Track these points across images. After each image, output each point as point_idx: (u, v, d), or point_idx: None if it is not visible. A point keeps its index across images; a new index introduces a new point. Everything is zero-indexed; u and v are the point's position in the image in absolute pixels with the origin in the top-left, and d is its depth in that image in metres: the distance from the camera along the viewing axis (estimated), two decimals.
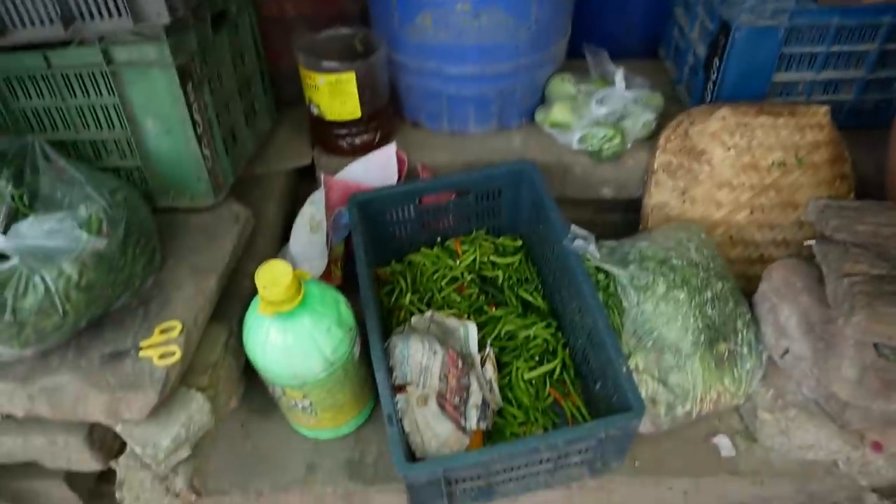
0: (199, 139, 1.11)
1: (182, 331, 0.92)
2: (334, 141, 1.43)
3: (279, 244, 1.36)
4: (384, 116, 1.46)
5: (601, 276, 1.20)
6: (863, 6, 1.28)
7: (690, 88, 1.55)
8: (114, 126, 1.10)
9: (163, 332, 0.92)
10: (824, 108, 1.31)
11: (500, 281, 1.37)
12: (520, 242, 1.44)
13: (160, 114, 1.07)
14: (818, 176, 1.35)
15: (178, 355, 0.88)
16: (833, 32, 1.33)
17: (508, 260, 1.40)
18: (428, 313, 1.21)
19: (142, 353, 0.89)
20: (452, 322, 1.20)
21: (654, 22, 1.75)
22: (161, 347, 0.89)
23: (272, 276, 0.89)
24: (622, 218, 1.59)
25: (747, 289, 1.31)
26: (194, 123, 1.09)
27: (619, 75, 1.43)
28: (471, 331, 1.18)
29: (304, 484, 1.13)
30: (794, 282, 1.17)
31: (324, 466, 1.15)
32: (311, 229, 1.31)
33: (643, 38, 1.80)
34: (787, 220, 1.37)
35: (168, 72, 1.03)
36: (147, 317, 0.95)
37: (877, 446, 1.17)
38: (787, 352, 1.19)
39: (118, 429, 0.87)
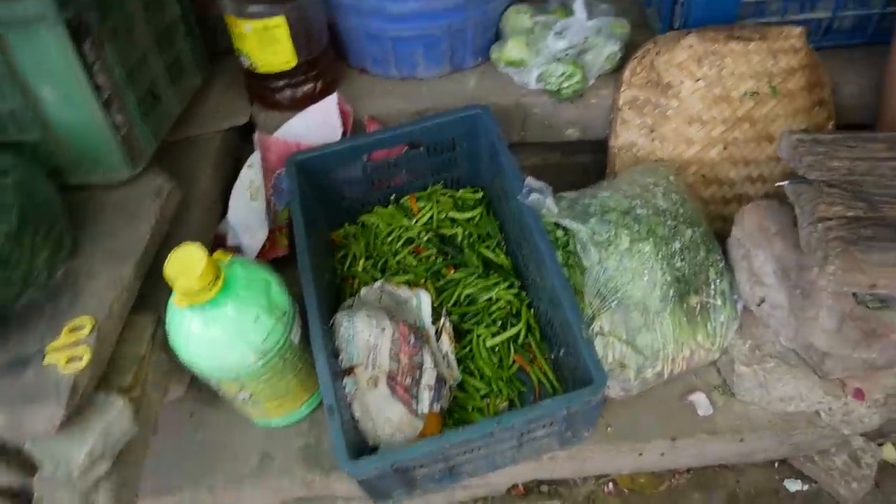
0: (105, 105, 0.99)
1: (94, 328, 0.83)
2: (272, 95, 1.30)
3: (218, 215, 1.25)
4: (325, 63, 1.33)
5: (559, 234, 1.11)
6: None
7: (659, 12, 1.41)
8: (5, 96, 0.97)
9: (72, 331, 0.83)
10: (798, 30, 1.19)
11: (460, 239, 1.28)
12: (480, 194, 1.34)
13: (55, 79, 0.95)
14: (794, 104, 1.24)
15: (86, 358, 0.79)
16: None
17: (468, 215, 1.31)
18: (377, 283, 1.13)
19: (47, 359, 0.80)
20: (404, 292, 1.11)
21: None
22: (68, 350, 0.80)
23: (184, 264, 0.79)
24: (592, 159, 1.49)
25: (723, 230, 1.22)
26: (97, 88, 0.97)
27: (578, 3, 1.30)
28: (423, 301, 1.10)
29: (260, 476, 1.06)
30: (767, 226, 1.08)
31: (279, 455, 1.08)
32: (250, 196, 1.21)
33: None
34: (763, 154, 1.27)
35: (56, 29, 0.90)
36: (56, 314, 0.86)
37: (859, 394, 1.12)
38: (763, 301, 1.12)
39: (26, 446, 0.79)
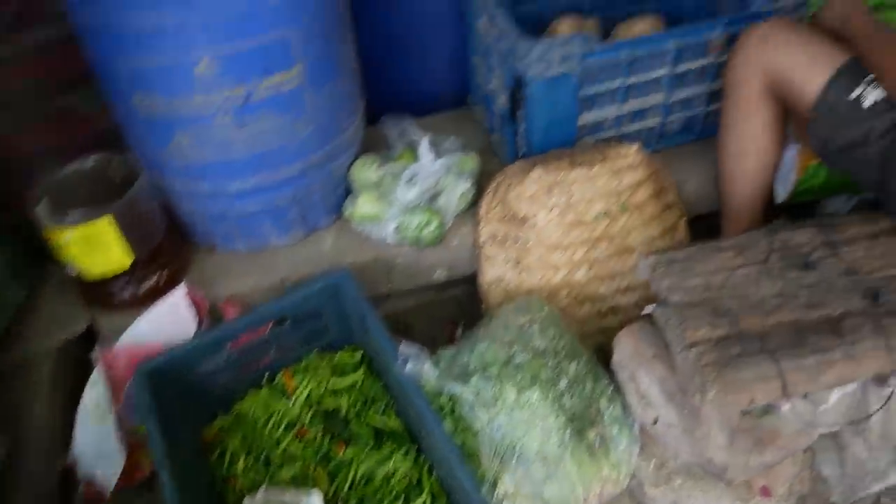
0: None
1: None
2: (110, 298, 1.19)
3: (63, 446, 1.10)
4: (168, 251, 1.24)
5: (444, 400, 1.06)
6: None
7: (503, 139, 1.44)
8: None
9: None
10: (634, 148, 1.25)
11: (345, 410, 1.19)
12: (359, 354, 1.27)
13: None
14: (645, 215, 1.29)
15: None
16: (626, 66, 1.27)
17: (349, 380, 1.23)
18: (260, 493, 1.02)
19: None
20: (292, 496, 1.01)
21: (461, 70, 1.63)
22: None
23: None
24: (465, 291, 1.47)
25: (605, 343, 1.22)
26: None
27: (423, 146, 1.30)
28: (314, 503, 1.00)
29: None
30: (643, 350, 1.08)
31: None
32: (97, 419, 1.08)
33: (454, 86, 1.69)
34: (626, 266, 1.30)
35: None
36: None
37: (765, 491, 1.12)
38: (656, 420, 1.11)
39: None
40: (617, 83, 1.29)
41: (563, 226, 1.24)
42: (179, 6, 0.97)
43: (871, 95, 1.08)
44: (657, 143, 1.45)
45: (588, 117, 1.33)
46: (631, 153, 1.24)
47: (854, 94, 1.09)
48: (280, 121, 1.14)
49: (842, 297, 1.01)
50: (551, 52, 1.19)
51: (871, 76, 1.08)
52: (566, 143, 1.35)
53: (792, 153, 1.34)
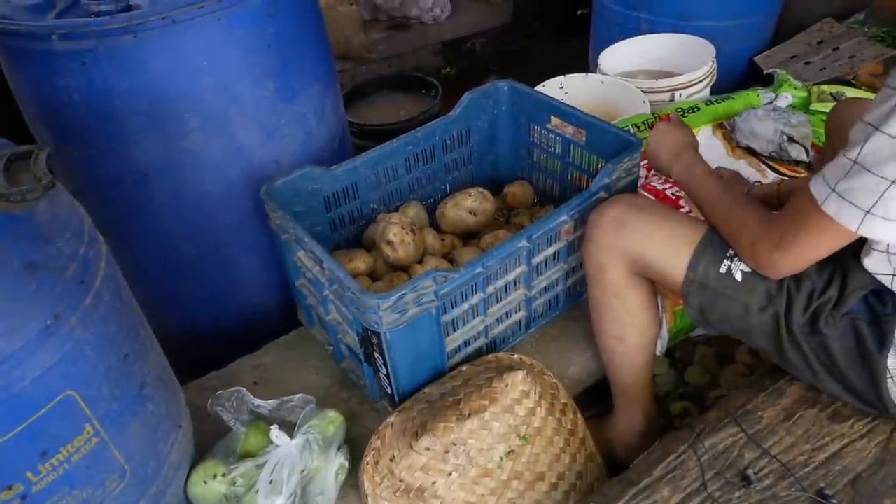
0: None
1: None
2: None
3: None
4: None
5: None
6: None
7: (360, 375, 1.23)
8: None
9: None
10: (520, 376, 1.10)
11: None
12: None
13: None
14: (546, 434, 1.14)
15: None
16: (482, 280, 1.13)
17: None
18: None
19: None
20: None
21: (278, 274, 1.40)
22: None
23: None
24: None
25: None
26: None
27: (274, 432, 1.05)
28: None
29: None
30: None
31: None
32: None
33: (273, 291, 1.48)
34: (542, 491, 1.14)
35: None
36: None
37: None
38: None
39: None
40: (477, 297, 1.15)
41: (467, 484, 1.05)
42: None
43: (738, 269, 1.03)
44: (525, 330, 1.33)
45: (455, 339, 1.17)
46: (518, 380, 1.09)
47: (723, 268, 1.03)
48: (83, 495, 0.83)
49: None
50: (404, 300, 1.01)
51: (731, 251, 1.03)
52: (437, 371, 1.18)
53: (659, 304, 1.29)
